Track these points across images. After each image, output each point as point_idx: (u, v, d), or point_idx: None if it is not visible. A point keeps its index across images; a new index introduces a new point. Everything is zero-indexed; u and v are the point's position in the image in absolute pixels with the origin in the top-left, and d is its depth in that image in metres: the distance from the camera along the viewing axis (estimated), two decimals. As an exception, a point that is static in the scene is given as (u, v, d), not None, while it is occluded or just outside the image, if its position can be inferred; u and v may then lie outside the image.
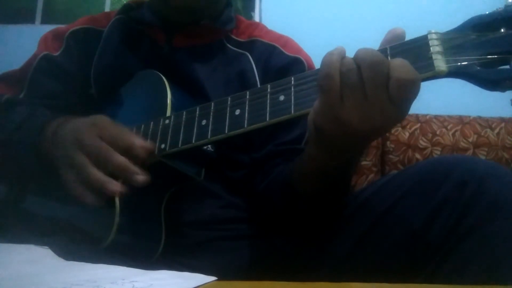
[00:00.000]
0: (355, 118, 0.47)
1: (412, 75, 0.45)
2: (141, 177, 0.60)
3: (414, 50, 0.48)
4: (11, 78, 0.84)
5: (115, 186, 0.60)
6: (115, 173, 0.61)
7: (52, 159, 0.65)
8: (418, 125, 1.68)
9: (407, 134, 1.66)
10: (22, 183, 0.76)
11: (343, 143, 0.51)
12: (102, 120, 0.64)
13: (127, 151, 0.61)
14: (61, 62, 0.83)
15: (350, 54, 0.49)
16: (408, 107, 0.47)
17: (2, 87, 0.82)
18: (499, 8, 0.47)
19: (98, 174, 0.60)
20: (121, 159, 0.61)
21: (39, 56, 0.83)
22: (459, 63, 0.46)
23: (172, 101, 0.68)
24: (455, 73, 0.47)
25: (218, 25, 0.83)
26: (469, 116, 1.73)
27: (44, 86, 0.82)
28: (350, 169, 0.63)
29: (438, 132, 1.67)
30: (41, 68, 0.83)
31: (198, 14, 0.82)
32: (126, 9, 0.86)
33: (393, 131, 1.66)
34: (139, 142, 0.62)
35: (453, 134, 1.67)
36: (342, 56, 0.48)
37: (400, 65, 0.45)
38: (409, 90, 0.45)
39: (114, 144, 0.61)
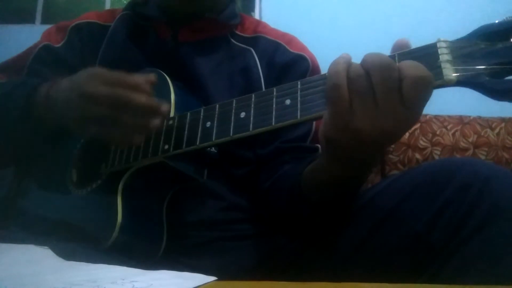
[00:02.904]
0: (367, 125, 0.46)
1: (425, 73, 0.44)
2: (166, 105, 0.61)
3: (423, 58, 0.47)
4: (9, 66, 0.84)
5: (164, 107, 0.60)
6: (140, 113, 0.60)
7: (51, 118, 0.65)
8: (418, 125, 1.68)
9: (407, 134, 1.66)
10: (19, 157, 0.75)
11: (356, 153, 0.50)
12: (97, 70, 0.63)
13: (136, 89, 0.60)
14: (62, 53, 0.83)
15: (351, 55, 0.49)
16: (421, 109, 0.47)
17: (0, 75, 0.82)
18: (509, 17, 0.47)
19: (127, 113, 0.59)
20: (141, 95, 0.59)
21: (39, 45, 0.83)
22: (468, 73, 0.46)
23: (175, 101, 0.68)
24: (463, 82, 0.46)
25: (222, 19, 0.83)
26: (469, 116, 1.73)
27: (42, 76, 0.81)
28: (362, 178, 0.62)
29: (438, 132, 1.67)
30: (40, 57, 0.82)
31: (203, 6, 0.82)
32: (132, 5, 0.86)
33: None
34: (139, 79, 0.61)
35: (453, 134, 1.67)
36: (349, 64, 0.47)
37: (412, 64, 0.45)
38: (423, 89, 0.45)
39: (122, 86, 0.60)
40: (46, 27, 0.90)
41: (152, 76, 0.63)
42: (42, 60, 0.82)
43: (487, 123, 1.71)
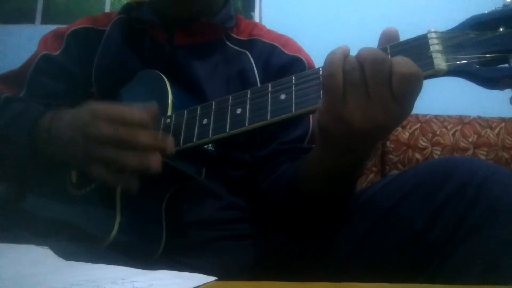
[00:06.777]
0: (358, 117, 0.47)
1: (414, 69, 0.46)
2: (170, 142, 0.58)
3: (414, 49, 0.48)
4: (11, 78, 0.84)
5: (156, 156, 0.56)
6: (145, 150, 0.57)
7: (53, 154, 0.64)
8: (418, 125, 1.68)
9: (407, 134, 1.66)
10: (19, 180, 0.76)
11: (347, 143, 0.51)
12: (98, 107, 0.61)
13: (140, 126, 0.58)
14: (60, 61, 0.83)
15: (351, 54, 0.49)
16: (411, 105, 0.48)
17: (2, 87, 0.82)
18: (498, 7, 0.48)
19: (131, 155, 0.56)
20: (146, 134, 0.57)
21: (38, 55, 0.83)
22: (458, 62, 0.47)
23: (173, 101, 0.68)
24: (454, 71, 0.47)
25: (217, 22, 0.83)
26: (469, 116, 1.73)
27: (44, 86, 0.82)
28: (356, 172, 0.63)
29: (438, 132, 1.67)
30: (40, 68, 0.82)
31: (198, 7, 0.82)
32: (127, 8, 0.86)
33: (393, 131, 1.66)
34: (141, 116, 0.59)
35: (453, 134, 1.67)
36: (346, 55, 0.48)
37: (402, 61, 0.46)
38: (412, 85, 0.46)
39: (125, 125, 0.58)
40: (46, 27, 0.91)
41: (153, 107, 0.61)
42: (42, 71, 0.82)
43: (487, 123, 1.71)
